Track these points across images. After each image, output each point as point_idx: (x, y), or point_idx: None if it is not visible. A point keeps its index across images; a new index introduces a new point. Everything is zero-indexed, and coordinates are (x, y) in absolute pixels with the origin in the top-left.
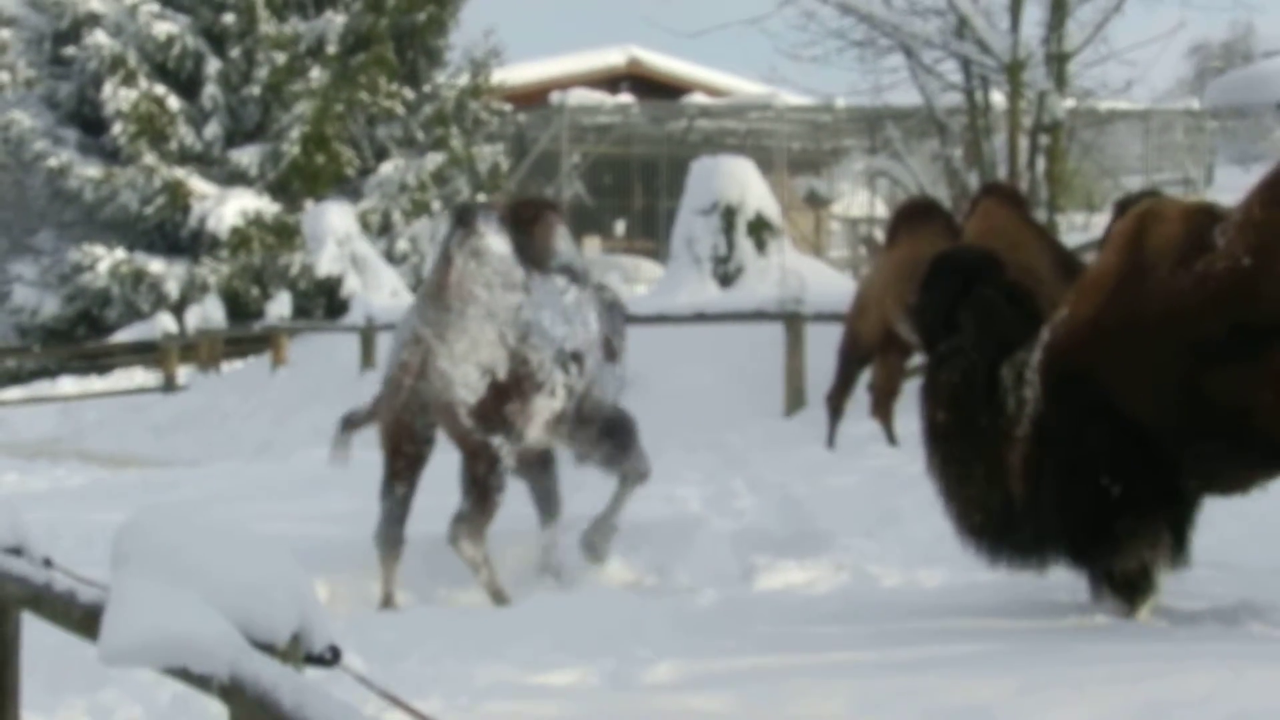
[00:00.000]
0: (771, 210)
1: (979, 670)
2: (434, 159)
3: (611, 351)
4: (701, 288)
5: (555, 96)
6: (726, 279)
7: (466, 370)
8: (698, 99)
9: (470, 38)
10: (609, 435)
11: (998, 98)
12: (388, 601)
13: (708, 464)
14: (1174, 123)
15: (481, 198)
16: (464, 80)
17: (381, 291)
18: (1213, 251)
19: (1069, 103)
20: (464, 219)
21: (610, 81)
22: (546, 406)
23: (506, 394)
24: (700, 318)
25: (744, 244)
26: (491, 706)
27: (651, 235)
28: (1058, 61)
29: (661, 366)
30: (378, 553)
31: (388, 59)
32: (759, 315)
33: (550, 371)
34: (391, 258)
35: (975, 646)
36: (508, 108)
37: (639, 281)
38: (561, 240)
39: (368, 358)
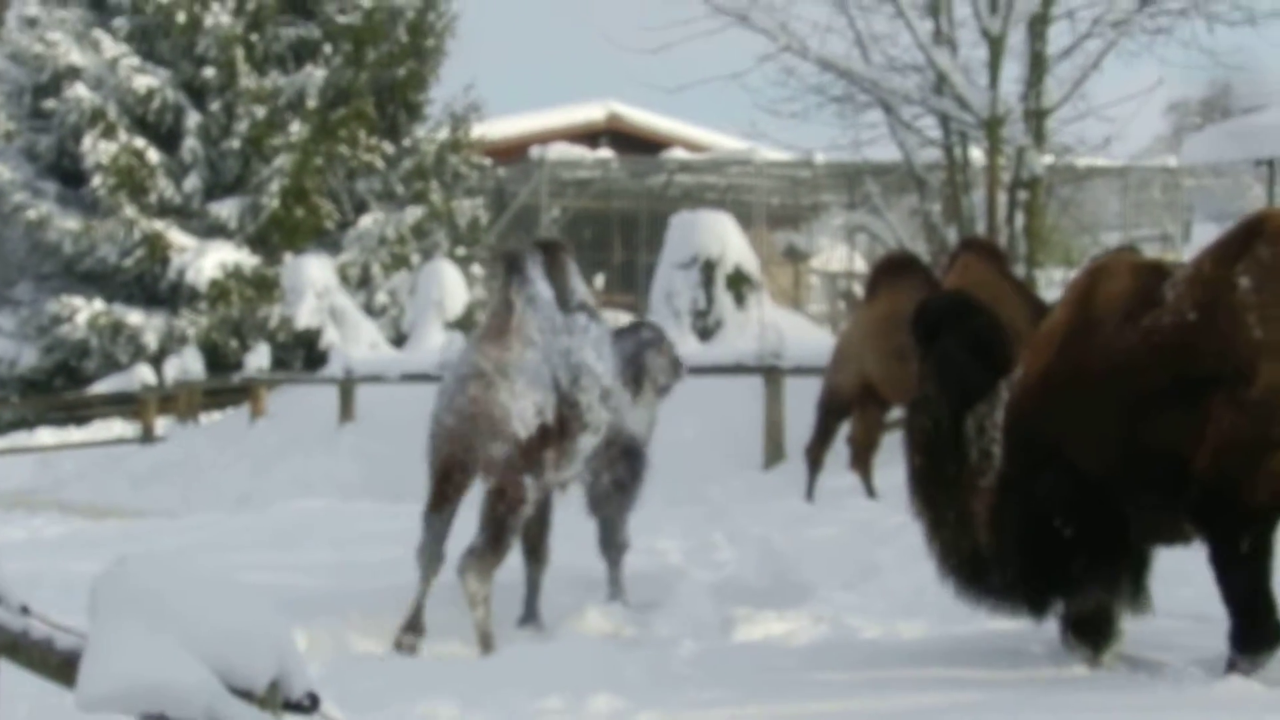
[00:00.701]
0: (751, 264)
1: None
2: (413, 213)
3: (658, 388)
4: (681, 341)
5: (535, 151)
6: (706, 332)
7: (524, 406)
8: (677, 154)
9: (450, 92)
10: (625, 459)
11: (976, 153)
12: (415, 620)
13: (688, 516)
14: (1152, 180)
15: (460, 252)
16: (444, 134)
17: (360, 344)
18: (1161, 306)
19: (1047, 159)
20: (517, 266)
21: (590, 136)
22: (589, 444)
23: (548, 437)
24: None
25: (723, 298)
26: None
27: (631, 289)
28: (1036, 118)
29: None
30: (418, 571)
31: (367, 113)
32: (738, 369)
33: (598, 412)
34: (370, 310)
35: (954, 697)
36: (487, 162)
37: None
38: (574, 278)
39: (346, 410)
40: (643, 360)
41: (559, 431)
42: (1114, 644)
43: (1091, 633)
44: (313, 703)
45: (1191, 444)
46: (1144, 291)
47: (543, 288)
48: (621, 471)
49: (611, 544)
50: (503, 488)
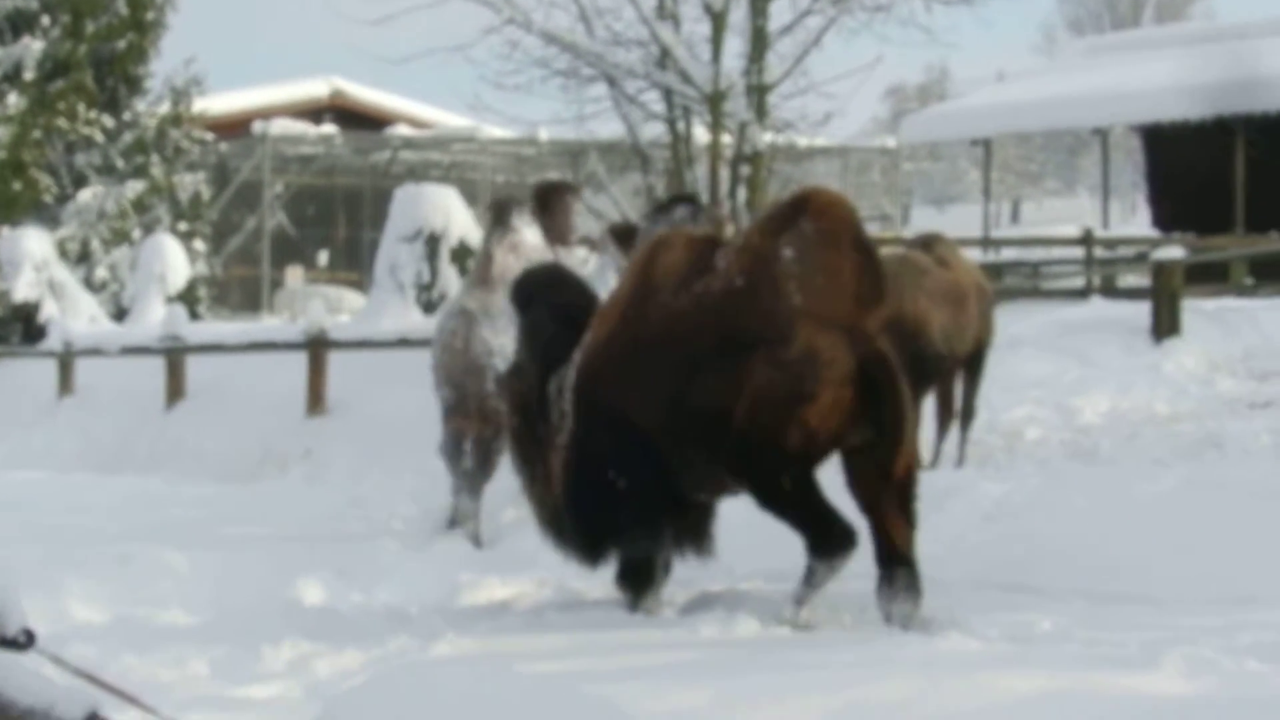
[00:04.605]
0: (475, 238)
1: (678, 680)
2: (134, 187)
3: None
4: (405, 314)
5: (257, 126)
6: (430, 305)
7: (504, 342)
8: (402, 131)
9: (171, 66)
10: None
11: (700, 129)
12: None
13: (413, 486)
14: (871, 162)
15: (182, 226)
16: (165, 108)
17: (80, 318)
18: (713, 274)
19: (769, 135)
20: (501, 217)
21: (314, 112)
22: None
23: None
24: (404, 343)
25: (447, 271)
26: (200, 716)
27: (355, 266)
28: (758, 93)
29: (365, 391)
30: (458, 519)
31: (87, 86)
32: None
33: None
34: (91, 285)
35: (676, 656)
36: (209, 136)
37: (342, 312)
38: (578, 216)
39: (65, 383)
40: None
41: None
42: (654, 591)
43: (633, 580)
44: (29, 639)
45: (734, 401)
46: (698, 261)
47: (528, 234)
48: None
49: None
50: (486, 416)
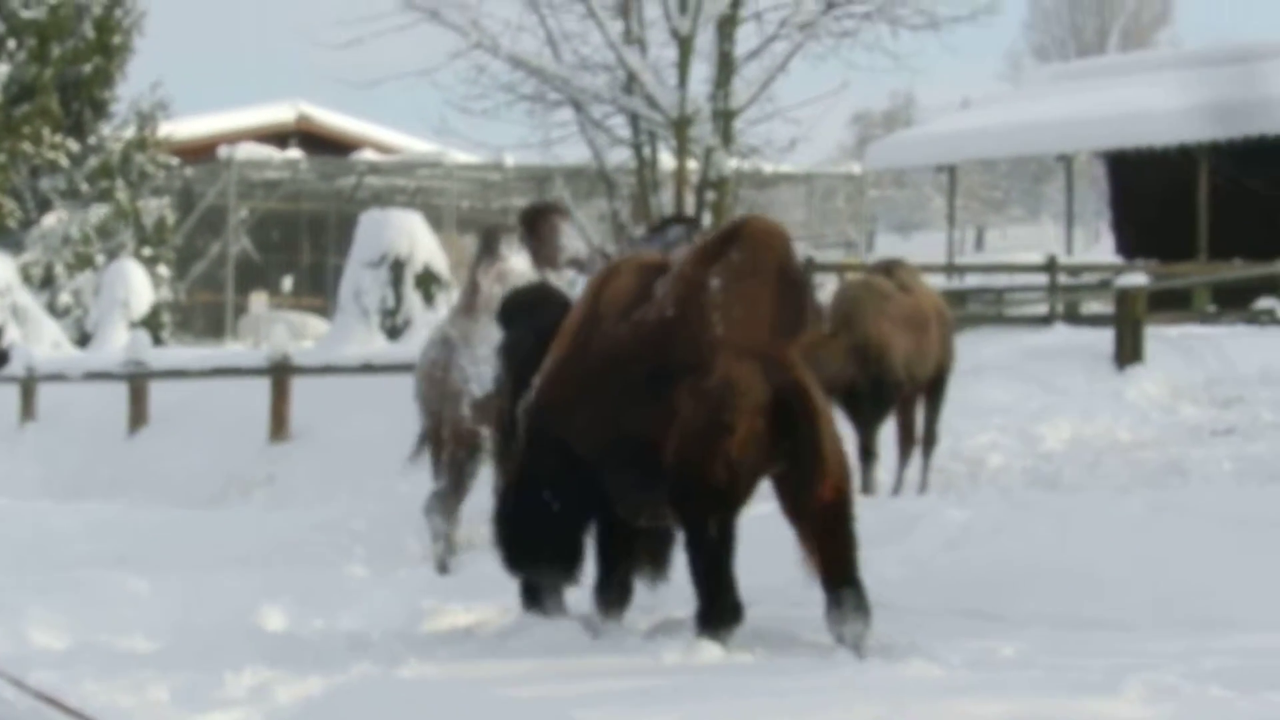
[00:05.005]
0: (440, 264)
1: (642, 706)
2: (98, 211)
3: None
4: (369, 339)
5: (223, 151)
6: (395, 331)
7: (483, 371)
8: (367, 156)
9: (137, 90)
10: None
11: (665, 155)
12: (444, 562)
13: (376, 513)
14: (836, 189)
15: (146, 252)
16: (130, 133)
17: (43, 343)
18: (650, 302)
19: (734, 161)
20: (489, 245)
21: (279, 137)
22: None
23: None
24: (368, 368)
25: (412, 297)
26: None
27: (320, 292)
28: (724, 118)
29: (330, 417)
30: (429, 534)
31: (52, 110)
32: None
33: None
34: (54, 310)
35: (639, 683)
36: (174, 161)
37: (306, 337)
38: (566, 237)
39: (27, 409)
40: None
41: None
42: (547, 607)
43: (535, 598)
44: None
45: (662, 432)
46: (643, 288)
47: (516, 262)
48: None
49: None
50: (460, 437)
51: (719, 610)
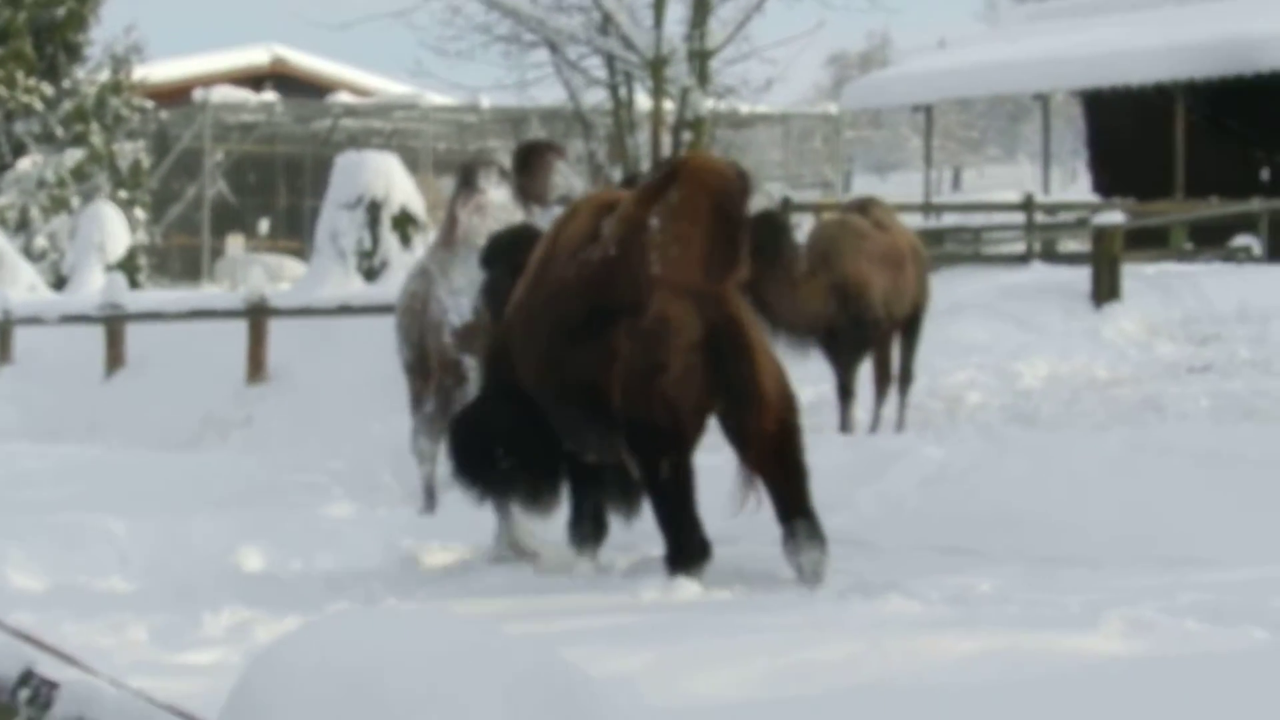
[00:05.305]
0: (417, 205)
1: (621, 644)
2: (73, 155)
3: None
4: (346, 281)
5: (198, 94)
6: (371, 273)
7: (461, 301)
8: (343, 98)
9: (111, 33)
10: None
11: (642, 96)
12: (430, 498)
13: (353, 454)
14: (813, 130)
15: (122, 195)
16: (105, 76)
17: (18, 286)
18: (597, 242)
19: (711, 101)
20: (467, 179)
21: (255, 80)
22: None
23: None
24: (345, 310)
25: (389, 238)
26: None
27: (296, 234)
28: (700, 58)
29: (307, 358)
30: (415, 459)
31: (26, 54)
32: None
33: None
34: (30, 254)
35: (617, 620)
36: (149, 104)
37: (283, 280)
38: (559, 175)
39: (3, 352)
40: None
41: None
42: (525, 540)
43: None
44: None
45: (604, 372)
46: (594, 228)
47: (495, 195)
48: None
49: None
50: (445, 366)
51: (686, 550)
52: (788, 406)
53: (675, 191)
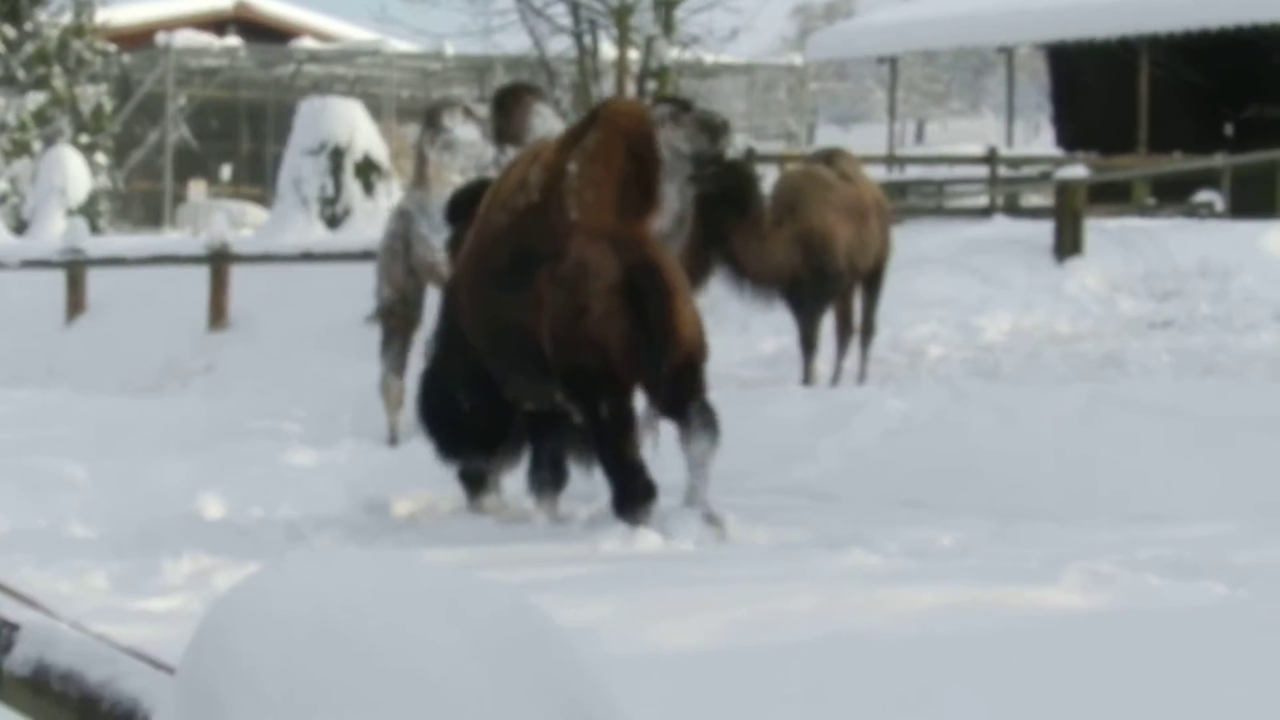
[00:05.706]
0: (380, 152)
1: (582, 593)
2: (35, 98)
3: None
4: (309, 228)
5: (161, 38)
6: (334, 220)
7: (445, 235)
8: (306, 44)
9: None
10: None
11: (606, 44)
12: (393, 433)
13: (315, 401)
14: (778, 80)
15: (84, 139)
16: (67, 19)
17: None
18: (524, 189)
19: (676, 51)
20: (433, 120)
21: (218, 24)
22: None
23: None
24: (307, 257)
25: (352, 185)
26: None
27: (259, 181)
28: (665, 7)
29: (268, 307)
30: (381, 398)
31: None
32: (366, 256)
33: None
34: None
35: (578, 570)
36: (112, 48)
37: (245, 226)
38: (537, 117)
39: None
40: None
41: None
42: (490, 493)
43: (471, 481)
44: None
45: (532, 318)
46: (526, 176)
47: (463, 132)
48: None
49: None
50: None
51: (631, 493)
52: (699, 348)
53: (592, 135)
